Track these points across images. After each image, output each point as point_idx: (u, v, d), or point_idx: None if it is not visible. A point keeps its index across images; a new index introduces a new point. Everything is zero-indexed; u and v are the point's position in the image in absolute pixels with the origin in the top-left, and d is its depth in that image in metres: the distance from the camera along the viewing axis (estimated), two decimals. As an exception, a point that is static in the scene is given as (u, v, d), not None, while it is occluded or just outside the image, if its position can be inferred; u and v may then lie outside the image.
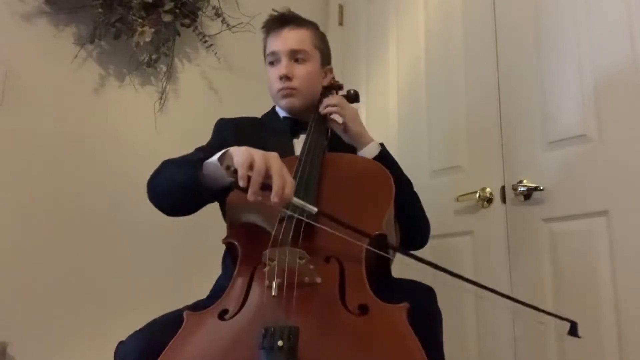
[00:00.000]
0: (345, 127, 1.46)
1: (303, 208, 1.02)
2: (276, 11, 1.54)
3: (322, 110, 1.47)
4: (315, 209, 1.01)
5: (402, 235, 1.35)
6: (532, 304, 1.05)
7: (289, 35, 1.50)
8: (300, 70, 1.50)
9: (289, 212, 1.05)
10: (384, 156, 1.44)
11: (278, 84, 1.50)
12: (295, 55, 1.49)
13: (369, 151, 1.44)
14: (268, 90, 1.56)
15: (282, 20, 1.52)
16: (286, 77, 1.48)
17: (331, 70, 1.63)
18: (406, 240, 1.39)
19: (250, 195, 0.99)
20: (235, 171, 1.01)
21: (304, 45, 1.50)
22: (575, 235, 1.65)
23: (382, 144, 1.48)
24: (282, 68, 1.48)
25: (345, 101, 1.51)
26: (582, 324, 1.57)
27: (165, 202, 1.29)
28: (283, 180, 1.00)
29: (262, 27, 1.56)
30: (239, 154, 1.03)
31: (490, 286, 1.77)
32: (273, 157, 1.04)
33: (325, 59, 1.59)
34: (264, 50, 1.56)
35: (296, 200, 1.02)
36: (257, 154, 1.02)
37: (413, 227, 1.42)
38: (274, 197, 0.99)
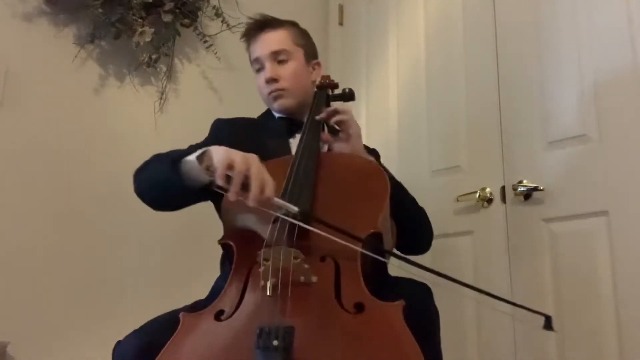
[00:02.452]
0: (348, 143, 1.41)
1: (287, 208, 1.03)
2: (252, 18, 1.56)
3: (335, 119, 1.40)
4: (296, 209, 1.03)
5: (404, 240, 1.35)
6: (504, 298, 1.03)
7: (266, 38, 1.52)
8: (285, 70, 1.51)
9: (281, 215, 1.05)
10: None
11: (266, 88, 1.51)
12: (277, 57, 1.51)
13: None
14: (260, 97, 1.58)
15: (258, 26, 1.54)
16: (272, 80, 1.50)
17: (319, 64, 1.63)
18: (409, 245, 1.38)
19: (231, 195, 1.01)
20: (215, 171, 1.03)
21: (283, 45, 1.51)
22: (575, 235, 1.65)
23: (376, 154, 1.48)
24: (266, 72, 1.50)
25: (353, 117, 1.47)
26: (582, 323, 1.58)
27: (148, 196, 1.31)
28: (262, 181, 1.03)
29: (242, 37, 1.59)
30: (219, 154, 1.05)
31: (490, 286, 1.78)
32: (252, 158, 1.06)
33: (310, 54, 1.60)
34: (250, 59, 1.58)
35: (277, 200, 1.03)
36: (238, 155, 1.04)
37: (414, 232, 1.42)
38: (252, 199, 1.01)
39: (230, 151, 1.05)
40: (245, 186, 1.02)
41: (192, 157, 1.13)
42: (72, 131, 2.10)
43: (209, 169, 1.07)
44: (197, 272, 1.74)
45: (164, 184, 1.20)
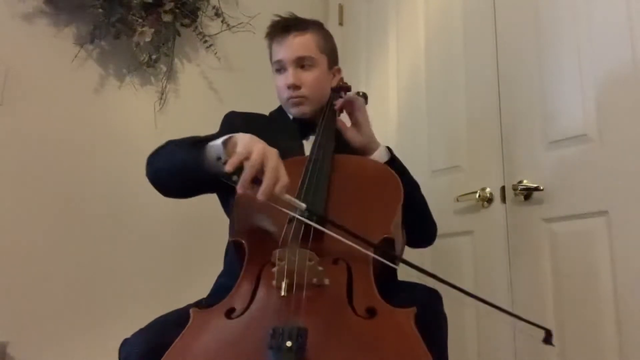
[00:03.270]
0: (358, 127, 1.45)
1: (294, 205, 1.01)
2: (279, 16, 1.52)
3: (344, 101, 1.46)
4: (303, 205, 1.00)
5: (409, 235, 1.35)
6: (507, 309, 1.04)
7: (293, 43, 1.48)
8: (308, 76, 1.48)
9: (297, 215, 1.04)
10: (394, 161, 1.44)
11: (287, 93, 1.49)
12: (301, 62, 1.48)
13: (380, 156, 1.43)
14: (277, 97, 1.56)
15: (285, 27, 1.50)
16: (294, 86, 1.47)
17: (339, 71, 1.61)
18: (413, 240, 1.39)
19: (239, 188, 0.98)
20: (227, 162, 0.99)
21: (309, 52, 1.48)
22: (575, 235, 1.66)
23: (388, 148, 1.47)
24: (289, 77, 1.47)
25: (363, 103, 1.50)
26: (582, 324, 1.59)
27: (161, 180, 1.28)
28: (276, 177, 0.99)
29: (266, 35, 1.54)
30: (242, 143, 1.02)
31: (490, 286, 1.79)
32: (272, 152, 1.02)
33: (333, 60, 1.58)
34: (270, 57, 1.55)
35: (286, 196, 1.00)
36: (258, 147, 1.00)
37: (421, 228, 1.43)
38: (260, 194, 0.98)
39: (253, 142, 1.02)
40: (255, 180, 0.99)
41: (218, 142, 1.08)
42: (72, 131, 2.10)
43: (220, 160, 1.03)
44: (198, 271, 1.74)
45: (185, 167, 1.17)
